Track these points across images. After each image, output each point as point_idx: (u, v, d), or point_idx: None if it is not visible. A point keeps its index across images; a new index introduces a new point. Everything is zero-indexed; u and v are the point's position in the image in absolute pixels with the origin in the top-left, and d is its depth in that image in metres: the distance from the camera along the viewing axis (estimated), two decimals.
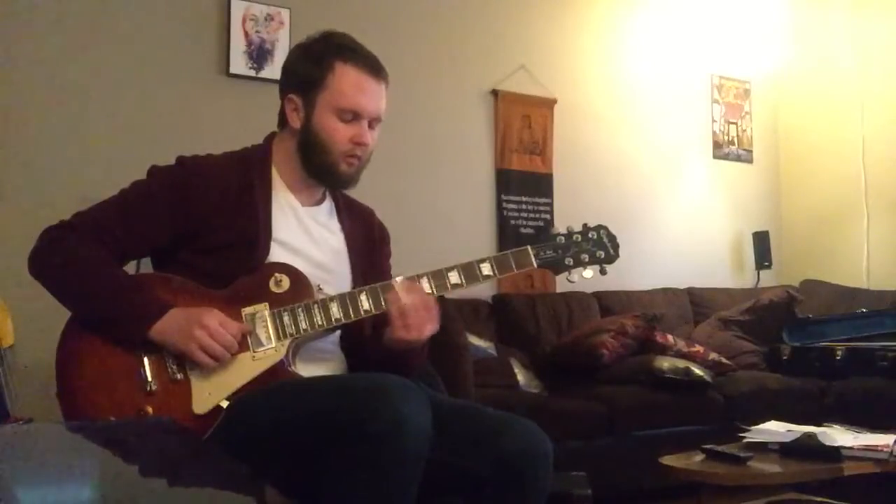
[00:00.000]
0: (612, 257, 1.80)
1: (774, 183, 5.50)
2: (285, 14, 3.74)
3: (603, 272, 1.79)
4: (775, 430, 2.73)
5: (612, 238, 1.80)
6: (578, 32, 4.71)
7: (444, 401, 1.73)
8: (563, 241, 1.77)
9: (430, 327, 1.67)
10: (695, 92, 5.17)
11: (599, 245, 1.79)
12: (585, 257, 1.78)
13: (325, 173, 1.77)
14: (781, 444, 2.61)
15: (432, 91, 4.18)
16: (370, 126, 1.76)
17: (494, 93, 4.37)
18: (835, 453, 2.50)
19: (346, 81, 1.72)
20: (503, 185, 4.37)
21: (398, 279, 1.68)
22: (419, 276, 1.70)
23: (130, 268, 1.78)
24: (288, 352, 1.65)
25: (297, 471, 1.49)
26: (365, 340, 1.79)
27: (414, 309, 1.64)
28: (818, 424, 2.79)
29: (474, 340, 3.60)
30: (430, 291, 1.69)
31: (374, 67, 1.75)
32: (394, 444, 1.39)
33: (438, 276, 1.70)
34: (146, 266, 1.82)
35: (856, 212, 5.04)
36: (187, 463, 1.28)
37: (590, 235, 1.79)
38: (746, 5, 5.26)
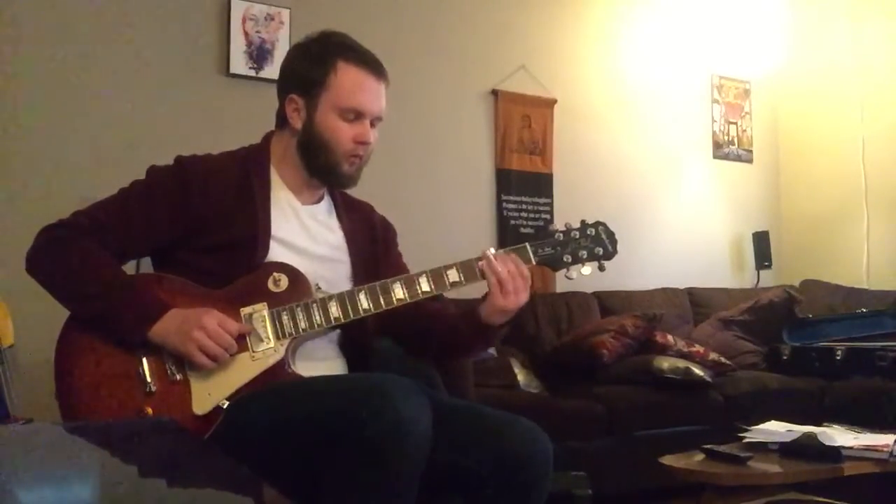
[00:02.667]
0: (610, 254, 1.79)
1: (774, 183, 5.50)
2: (285, 14, 3.74)
3: (602, 269, 1.79)
4: (775, 430, 2.73)
5: (611, 234, 1.80)
6: (578, 32, 4.71)
7: (445, 401, 1.73)
8: (562, 238, 1.77)
9: (524, 294, 1.71)
10: (695, 92, 5.17)
11: (598, 241, 1.78)
12: (584, 254, 1.77)
13: (326, 173, 1.77)
14: (781, 444, 2.61)
15: (432, 91, 4.18)
16: (371, 125, 1.76)
17: (494, 93, 4.37)
18: (835, 453, 2.49)
19: (348, 81, 1.72)
20: (503, 185, 4.37)
21: (490, 250, 1.71)
22: (417, 275, 1.70)
23: (130, 268, 1.78)
24: (287, 351, 1.65)
25: (298, 471, 1.49)
26: (447, 325, 1.82)
27: (511, 276, 1.69)
28: (818, 424, 2.79)
29: None
30: (428, 290, 1.69)
31: (374, 66, 1.75)
32: (394, 445, 1.39)
33: (437, 275, 1.70)
34: (146, 266, 1.82)
35: (856, 212, 5.04)
36: (187, 463, 1.28)
37: (588, 232, 1.78)
38: (746, 5, 5.26)
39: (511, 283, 1.69)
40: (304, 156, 1.76)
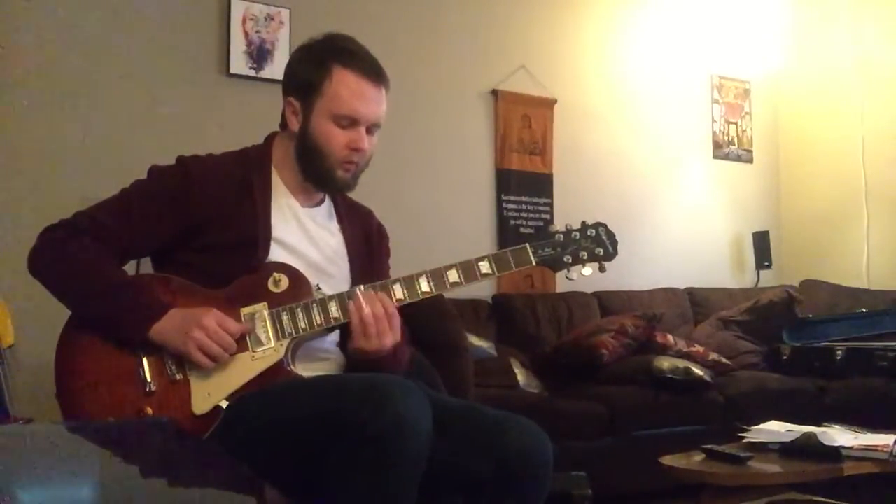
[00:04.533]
0: (610, 255, 1.79)
1: (774, 183, 5.50)
2: (285, 14, 3.74)
3: (602, 270, 1.79)
4: (775, 430, 2.73)
5: (611, 235, 1.80)
6: (578, 32, 4.71)
7: (445, 401, 1.73)
8: (562, 238, 1.77)
9: (389, 338, 1.65)
10: (695, 92, 5.17)
11: (598, 242, 1.78)
12: (584, 255, 1.77)
13: (321, 178, 1.76)
14: (781, 444, 2.61)
15: (432, 91, 4.18)
16: (368, 131, 1.74)
17: (494, 93, 4.37)
18: (835, 453, 2.50)
19: (344, 87, 1.70)
20: (503, 185, 4.37)
21: (361, 288, 1.67)
22: (417, 276, 1.70)
23: (130, 268, 1.78)
24: (287, 352, 1.65)
25: (297, 471, 1.49)
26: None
27: (375, 318, 1.63)
28: (818, 424, 2.79)
29: (474, 340, 3.60)
30: (427, 290, 1.69)
31: (373, 72, 1.73)
32: (394, 445, 1.39)
33: (437, 275, 1.70)
34: (146, 266, 1.82)
35: (856, 212, 5.04)
36: (187, 463, 1.28)
37: (588, 233, 1.78)
38: (746, 5, 5.26)
39: (374, 325, 1.63)
40: (300, 160, 1.76)
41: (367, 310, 1.63)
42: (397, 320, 1.66)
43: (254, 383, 1.61)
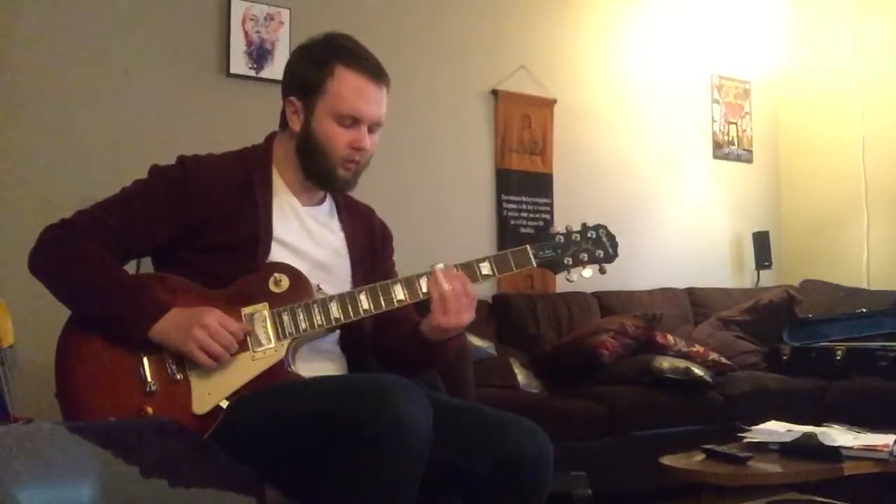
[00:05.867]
0: (611, 256, 1.80)
1: (774, 183, 5.50)
2: (285, 14, 3.74)
3: (602, 271, 1.79)
4: (775, 430, 2.73)
5: (612, 237, 1.80)
6: (578, 32, 4.71)
7: (445, 401, 1.73)
8: (562, 240, 1.77)
9: (468, 314, 1.68)
10: (695, 92, 5.17)
11: (598, 244, 1.79)
12: (584, 256, 1.78)
13: (322, 177, 1.76)
14: (781, 444, 2.61)
15: (432, 91, 4.18)
16: (370, 130, 1.74)
17: (494, 93, 4.37)
18: (835, 453, 2.50)
19: (346, 86, 1.70)
20: (503, 185, 4.37)
21: (439, 266, 1.69)
22: (417, 277, 1.70)
23: (130, 268, 1.78)
24: (287, 352, 1.65)
25: (298, 471, 1.49)
26: (402, 336, 1.79)
27: (454, 295, 1.66)
28: (818, 424, 2.79)
29: (474, 340, 3.60)
30: (428, 291, 1.69)
31: (374, 71, 1.73)
32: (394, 445, 1.39)
33: None
34: (146, 266, 1.82)
35: (856, 212, 5.04)
36: (187, 463, 1.28)
37: (589, 235, 1.78)
38: (746, 5, 5.26)
39: (454, 301, 1.66)
40: (301, 159, 1.76)
41: (447, 286, 1.66)
42: (474, 300, 1.69)
43: (254, 383, 1.61)
